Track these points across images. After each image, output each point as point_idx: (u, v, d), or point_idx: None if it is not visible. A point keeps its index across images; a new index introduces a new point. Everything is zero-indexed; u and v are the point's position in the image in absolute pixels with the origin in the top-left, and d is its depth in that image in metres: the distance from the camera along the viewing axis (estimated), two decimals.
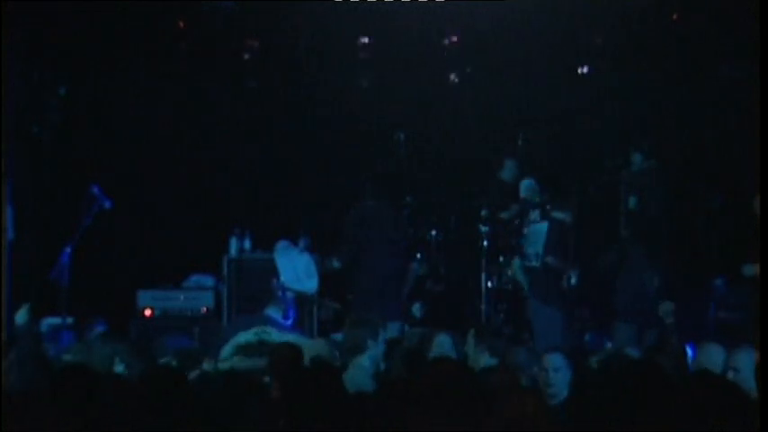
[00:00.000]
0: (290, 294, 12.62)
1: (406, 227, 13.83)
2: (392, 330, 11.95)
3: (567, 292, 13.23)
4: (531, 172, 14.11)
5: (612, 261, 12.93)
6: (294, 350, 8.55)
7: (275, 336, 10.34)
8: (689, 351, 9.96)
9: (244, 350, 10.02)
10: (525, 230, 13.72)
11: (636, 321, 12.57)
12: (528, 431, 6.40)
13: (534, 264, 13.39)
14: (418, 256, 14.18)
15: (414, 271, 13.65)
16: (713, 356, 8.83)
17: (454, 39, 14.80)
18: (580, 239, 13.17)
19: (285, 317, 11.85)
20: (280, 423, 6.29)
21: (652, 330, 12.37)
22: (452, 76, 15.08)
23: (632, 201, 13.72)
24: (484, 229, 14.14)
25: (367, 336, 9.70)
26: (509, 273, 14.25)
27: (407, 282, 13.46)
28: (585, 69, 14.85)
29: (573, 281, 13.19)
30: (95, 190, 12.31)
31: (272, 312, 11.80)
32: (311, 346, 9.35)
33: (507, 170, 14.37)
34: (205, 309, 14.10)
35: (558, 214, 13.27)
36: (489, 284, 14.11)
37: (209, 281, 14.46)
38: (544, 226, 13.43)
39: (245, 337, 10.20)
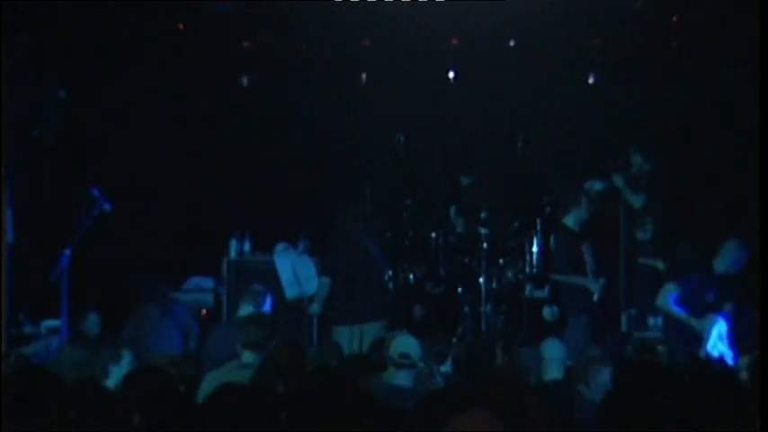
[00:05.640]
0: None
1: (383, 230, 13.74)
2: (371, 331, 11.90)
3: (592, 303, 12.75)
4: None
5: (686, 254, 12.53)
6: (296, 349, 8.52)
7: None
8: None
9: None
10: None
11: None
12: (528, 431, 6.41)
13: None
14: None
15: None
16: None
17: (454, 40, 14.80)
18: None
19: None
20: (281, 421, 6.27)
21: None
22: (452, 77, 15.08)
23: (638, 200, 13.68)
24: (484, 231, 14.13)
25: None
26: (508, 275, 14.24)
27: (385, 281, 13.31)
28: (586, 70, 14.86)
29: (595, 297, 12.64)
30: (95, 192, 12.30)
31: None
32: None
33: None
34: (205, 311, 14.09)
35: (567, 219, 12.88)
36: (487, 286, 14.09)
37: (208, 283, 14.46)
38: (552, 240, 13.33)
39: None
